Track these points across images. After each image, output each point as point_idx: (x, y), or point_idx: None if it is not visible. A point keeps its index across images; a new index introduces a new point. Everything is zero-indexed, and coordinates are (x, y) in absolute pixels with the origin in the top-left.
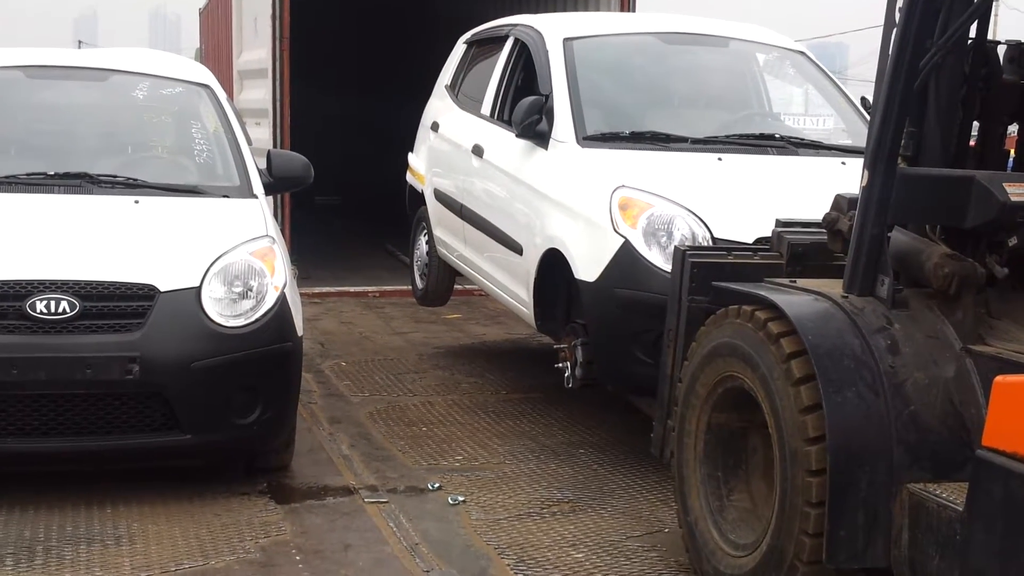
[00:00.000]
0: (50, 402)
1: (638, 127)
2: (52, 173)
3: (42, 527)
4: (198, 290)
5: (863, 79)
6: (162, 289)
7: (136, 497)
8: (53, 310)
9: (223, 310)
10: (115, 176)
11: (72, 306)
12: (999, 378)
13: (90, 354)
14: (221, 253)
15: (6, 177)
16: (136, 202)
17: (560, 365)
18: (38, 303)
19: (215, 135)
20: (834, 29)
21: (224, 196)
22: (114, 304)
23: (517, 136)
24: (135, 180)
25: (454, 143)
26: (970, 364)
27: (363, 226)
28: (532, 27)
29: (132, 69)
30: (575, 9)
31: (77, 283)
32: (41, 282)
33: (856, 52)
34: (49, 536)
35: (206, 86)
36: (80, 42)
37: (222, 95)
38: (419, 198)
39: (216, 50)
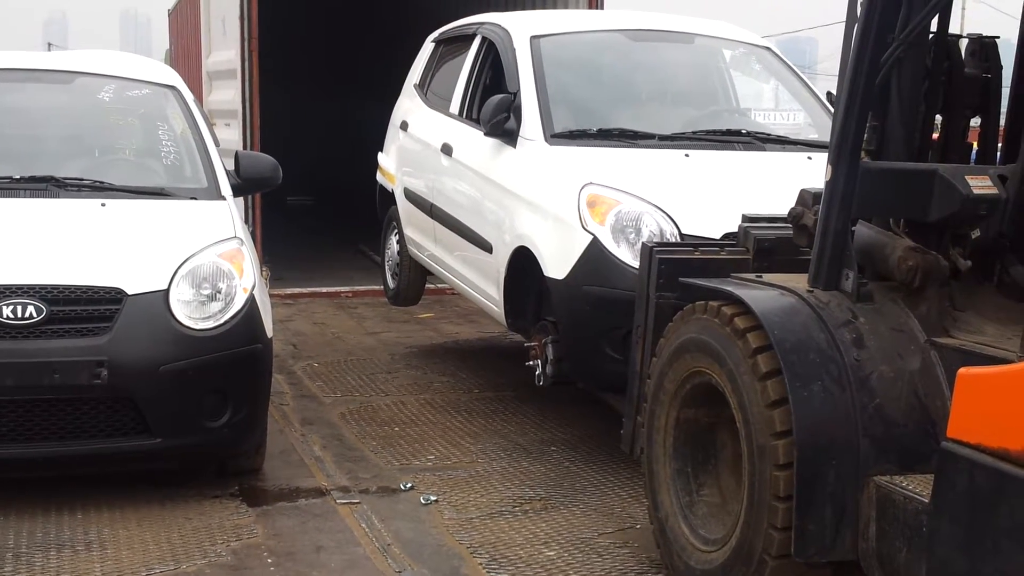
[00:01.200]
0: (18, 407)
1: (605, 124)
2: (18, 177)
3: (11, 533)
4: (166, 293)
5: (832, 74)
6: (130, 292)
7: (106, 502)
8: (20, 315)
9: (191, 312)
10: (81, 179)
11: (39, 310)
12: (963, 370)
13: (58, 359)
14: (189, 255)
15: None
16: (103, 205)
17: (531, 363)
18: (4, 308)
19: (182, 137)
20: (804, 24)
21: (192, 198)
22: (81, 308)
23: (486, 134)
24: (102, 183)
25: (423, 142)
26: (935, 356)
27: (335, 226)
28: (499, 25)
29: (98, 71)
30: (543, 7)
31: (44, 287)
32: (7, 287)
33: (825, 47)
34: (19, 543)
35: (172, 87)
36: (50, 44)
37: (189, 96)
38: (389, 198)
39: (185, 51)
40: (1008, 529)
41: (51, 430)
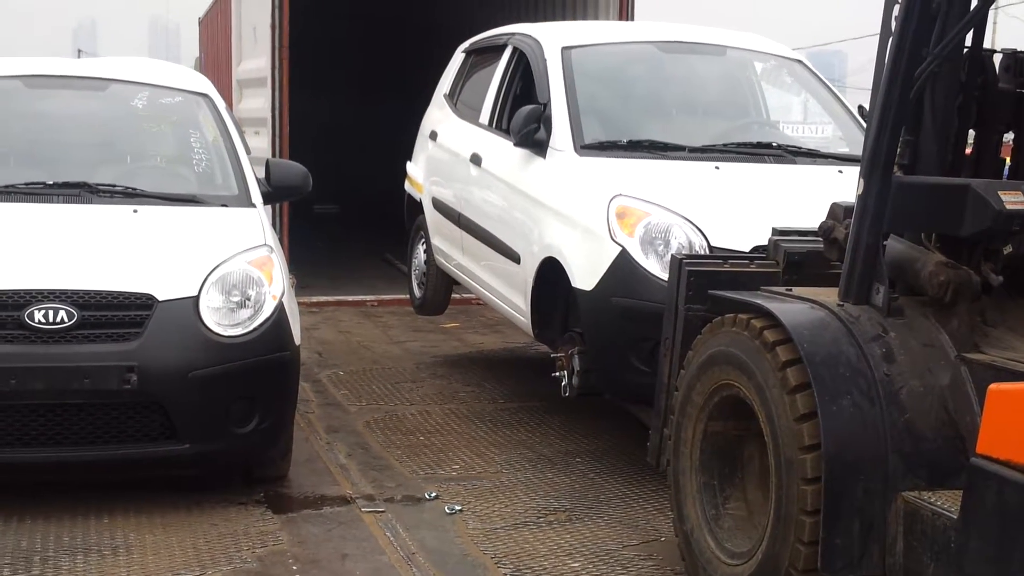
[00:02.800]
0: (48, 412)
1: (635, 136)
2: (51, 182)
3: (39, 537)
4: (196, 299)
5: (861, 87)
6: (160, 298)
7: (133, 507)
8: (51, 319)
9: (221, 319)
10: (114, 185)
11: (70, 315)
12: (993, 386)
13: (88, 363)
14: (219, 262)
15: (5, 186)
16: (135, 211)
17: (557, 374)
18: (36, 312)
19: (214, 144)
20: (833, 37)
21: (223, 205)
22: (112, 313)
23: (515, 145)
24: (134, 189)
25: (452, 152)
26: (965, 372)
27: (361, 235)
28: (530, 36)
29: (131, 78)
30: (573, 18)
31: (75, 292)
32: (40, 291)
33: (855, 60)
34: (46, 546)
35: (205, 95)
36: (80, 51)
37: (221, 104)
38: (417, 207)
39: (215, 59)
40: None
41: (80, 434)
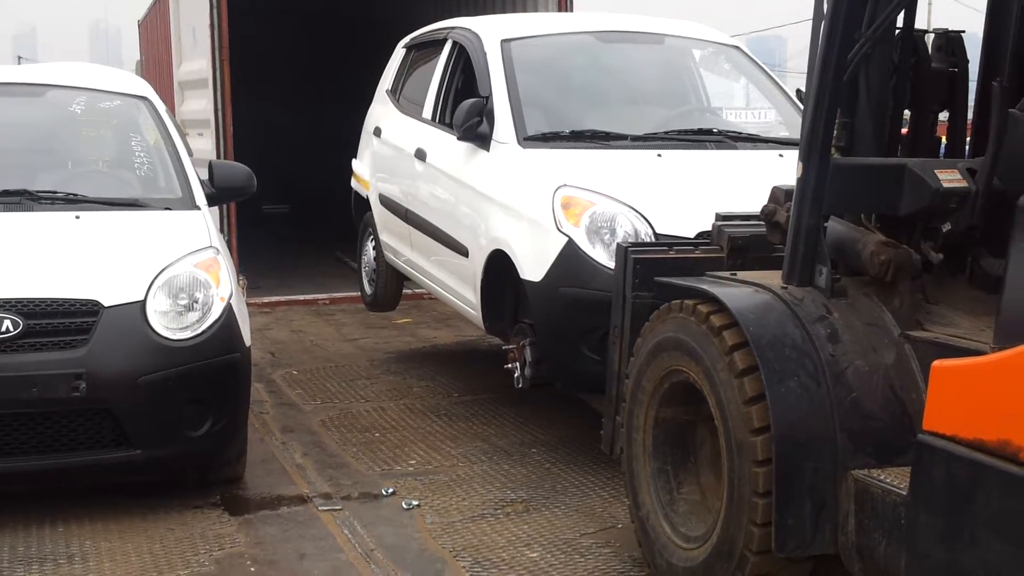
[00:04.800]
0: None
1: (578, 126)
2: None
3: None
4: (143, 304)
5: (802, 71)
6: (106, 304)
7: (88, 514)
8: None
9: (169, 323)
10: (55, 192)
11: (15, 324)
12: (937, 363)
13: (36, 372)
14: (165, 266)
15: None
16: (77, 217)
17: (510, 366)
18: None
19: (155, 147)
20: (773, 23)
21: (166, 208)
22: (58, 321)
23: (459, 139)
24: (76, 195)
25: (397, 148)
26: (909, 350)
27: (312, 234)
28: (470, 29)
29: (69, 83)
30: (513, 11)
31: (20, 301)
32: None
33: (794, 45)
34: (0, 557)
35: (144, 98)
36: (20, 58)
37: (161, 107)
38: (364, 204)
39: (156, 62)
40: (985, 520)
41: (30, 444)
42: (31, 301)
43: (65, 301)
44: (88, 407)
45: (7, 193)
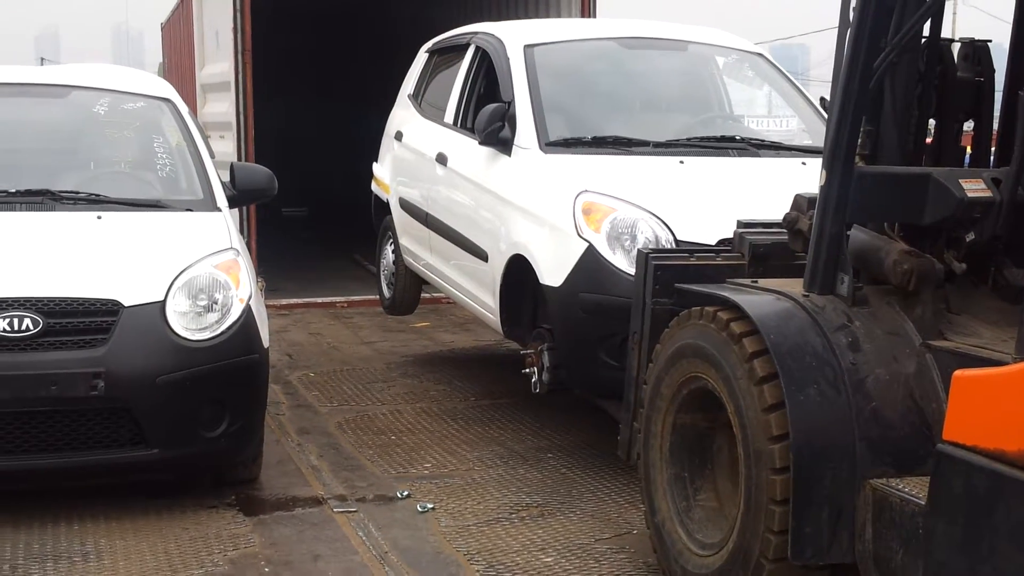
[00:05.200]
0: (15, 420)
1: (600, 132)
2: (14, 191)
3: (8, 545)
4: (162, 304)
5: (824, 80)
6: (126, 304)
7: (103, 513)
8: (16, 327)
9: (188, 324)
10: (77, 192)
11: (36, 323)
12: (958, 372)
13: (55, 371)
14: (185, 267)
15: None
16: (99, 218)
17: (527, 370)
18: (1, 321)
19: (177, 149)
20: (796, 31)
21: (187, 210)
22: (78, 320)
23: (480, 143)
24: (98, 196)
25: (418, 152)
26: (930, 359)
27: (331, 237)
28: (493, 35)
29: (93, 85)
30: (536, 16)
31: (40, 300)
32: (4, 300)
33: (817, 53)
34: (15, 555)
35: (167, 100)
36: (42, 59)
37: (184, 109)
38: (384, 207)
39: (179, 64)
40: (1004, 530)
41: (48, 442)
42: (51, 300)
43: (85, 300)
44: (106, 406)
45: (30, 193)
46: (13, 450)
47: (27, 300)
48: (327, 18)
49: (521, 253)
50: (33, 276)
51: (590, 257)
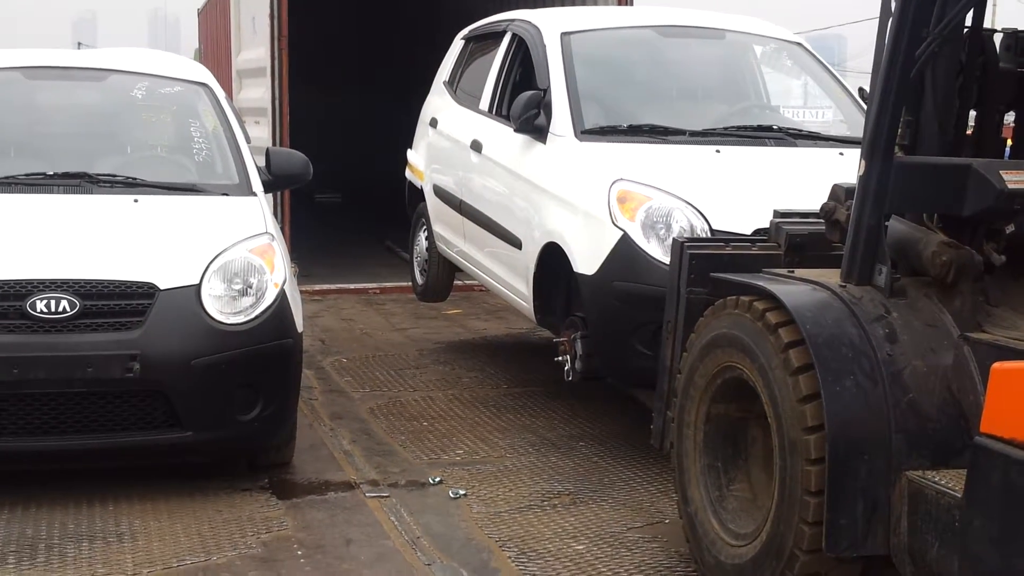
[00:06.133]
0: (51, 401)
1: (636, 120)
2: (51, 173)
3: (44, 525)
4: (198, 288)
5: (861, 71)
6: (162, 287)
7: (137, 494)
8: (53, 309)
9: (223, 307)
10: (114, 175)
11: (72, 305)
12: (997, 365)
13: (91, 352)
14: (220, 251)
15: (5, 177)
16: (135, 201)
17: (560, 359)
18: (38, 302)
19: (214, 133)
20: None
21: (223, 194)
22: (114, 303)
23: (515, 131)
24: (134, 179)
25: (453, 139)
26: (968, 351)
27: (363, 223)
28: (530, 22)
29: (130, 69)
30: (572, 3)
31: (77, 282)
32: (41, 281)
33: (855, 44)
34: (51, 534)
35: (204, 85)
36: (79, 43)
37: (220, 94)
38: (418, 194)
39: (215, 50)
40: None
41: (84, 423)
42: (88, 282)
43: (122, 283)
44: (141, 388)
45: (67, 176)
46: (50, 431)
47: (64, 282)
48: (364, 5)
49: (555, 241)
50: (70, 258)
51: (625, 246)
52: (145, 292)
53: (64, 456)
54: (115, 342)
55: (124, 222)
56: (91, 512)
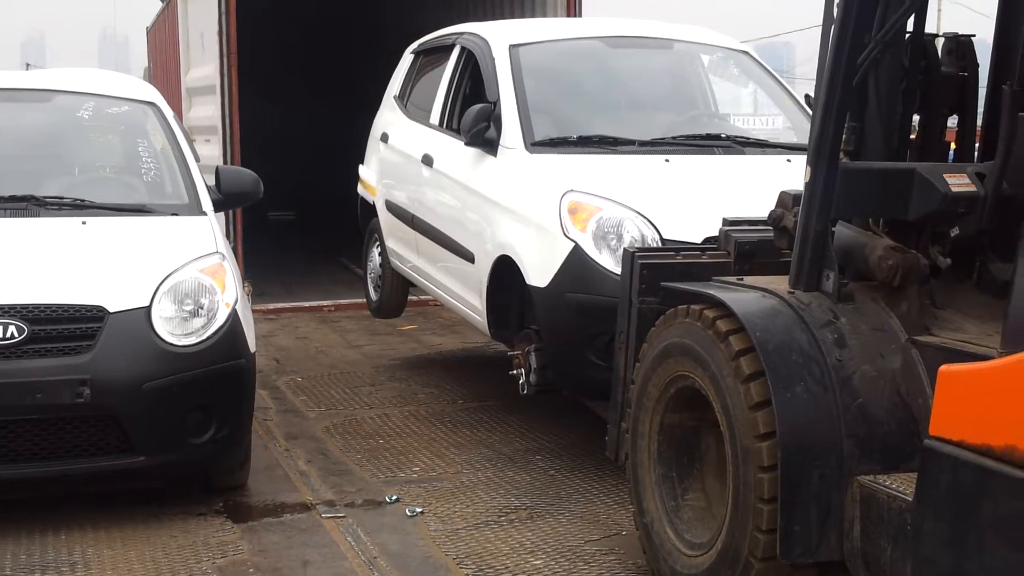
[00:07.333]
0: (1, 428)
1: (585, 131)
2: None
3: None
4: (148, 310)
5: (810, 78)
6: (111, 310)
7: (91, 521)
8: (1, 335)
9: (174, 329)
10: (62, 197)
11: (20, 330)
12: (944, 367)
13: (40, 378)
14: (170, 271)
15: None
16: (83, 223)
17: (515, 372)
18: None
19: (162, 153)
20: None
21: (173, 214)
22: (63, 327)
23: (466, 144)
24: (82, 201)
25: (404, 153)
26: (916, 355)
27: (318, 241)
28: (478, 35)
29: (77, 89)
30: (521, 16)
31: (25, 307)
32: None
33: (803, 51)
34: (2, 564)
35: (152, 104)
36: (28, 64)
37: (168, 112)
38: (371, 210)
39: (165, 68)
40: (992, 525)
41: (34, 450)
42: (36, 307)
43: (70, 307)
44: (92, 413)
45: (14, 199)
46: None
47: (11, 307)
48: (314, 21)
49: (507, 254)
50: (17, 283)
51: (576, 257)
52: (94, 315)
53: (14, 484)
54: (64, 367)
55: (72, 245)
56: (43, 541)
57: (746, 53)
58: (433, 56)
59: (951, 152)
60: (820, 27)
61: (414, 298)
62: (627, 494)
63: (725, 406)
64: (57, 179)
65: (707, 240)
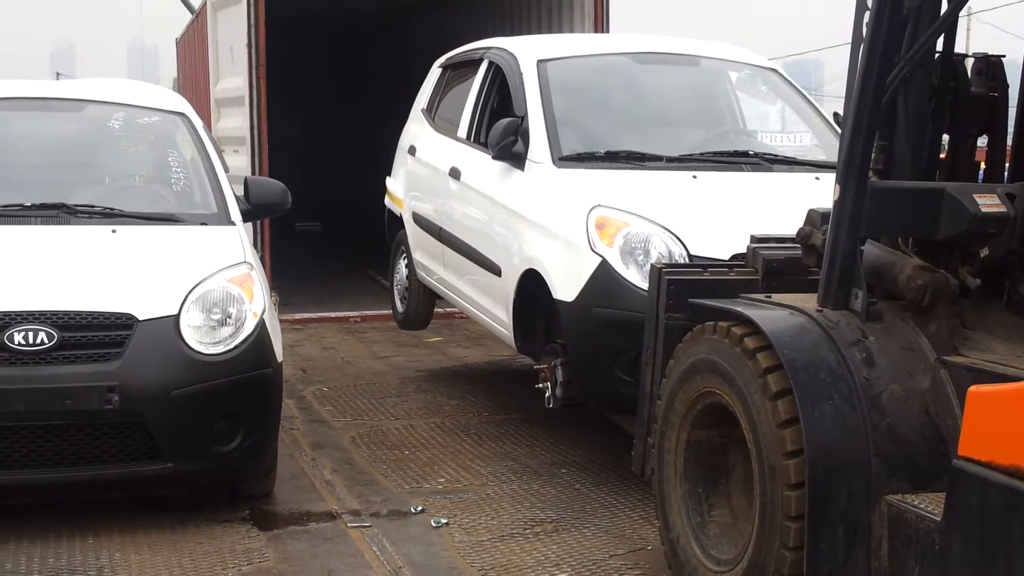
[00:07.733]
0: (30, 434)
1: (613, 146)
2: (29, 204)
3: (23, 559)
4: (176, 318)
5: (838, 95)
6: (140, 318)
7: (117, 527)
8: (31, 341)
9: (202, 337)
10: (92, 206)
11: (50, 337)
12: (973, 388)
13: (69, 384)
14: (199, 280)
15: None
16: (113, 231)
17: (540, 385)
18: (16, 334)
19: (192, 163)
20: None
21: (202, 224)
22: (92, 334)
23: (493, 158)
24: (112, 210)
25: (431, 166)
26: (945, 375)
27: (344, 252)
28: (506, 50)
29: (108, 99)
30: (549, 31)
31: (55, 314)
32: (19, 313)
33: (831, 69)
34: (31, 568)
35: (182, 114)
36: (58, 73)
37: (198, 123)
38: (398, 222)
39: (193, 79)
40: (1020, 546)
41: (63, 456)
42: (66, 314)
43: (100, 314)
44: (120, 420)
45: (45, 207)
46: (28, 464)
47: (42, 314)
48: (343, 33)
49: (534, 268)
50: (48, 290)
51: (603, 272)
52: (123, 323)
53: (43, 490)
54: (94, 374)
55: (102, 253)
56: (71, 546)
57: (774, 70)
58: (461, 70)
59: (980, 172)
60: (849, 46)
61: (440, 310)
62: (652, 509)
63: (752, 423)
64: (88, 188)
65: (735, 257)
